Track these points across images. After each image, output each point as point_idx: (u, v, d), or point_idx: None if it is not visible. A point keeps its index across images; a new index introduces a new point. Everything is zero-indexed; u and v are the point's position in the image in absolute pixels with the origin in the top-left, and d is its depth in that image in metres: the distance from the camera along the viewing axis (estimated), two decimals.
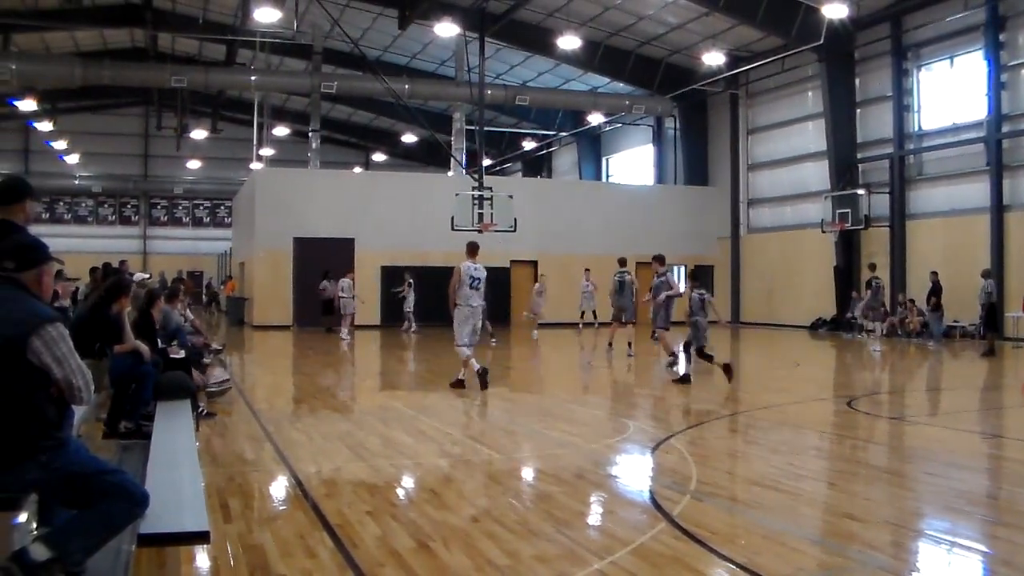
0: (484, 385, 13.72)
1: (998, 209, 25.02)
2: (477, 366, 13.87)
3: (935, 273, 25.46)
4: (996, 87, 25.08)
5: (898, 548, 5.89)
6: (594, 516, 6.84)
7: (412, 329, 28.62)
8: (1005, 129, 25.09)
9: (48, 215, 51.50)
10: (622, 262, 21.75)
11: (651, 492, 7.26)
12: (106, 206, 53.98)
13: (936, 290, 25.37)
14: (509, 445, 9.82)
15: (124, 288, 9.11)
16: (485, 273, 14.05)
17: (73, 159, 49.62)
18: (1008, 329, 24.36)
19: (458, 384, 14.00)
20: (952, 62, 27.03)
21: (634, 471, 8.58)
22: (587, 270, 28.63)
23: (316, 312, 29.85)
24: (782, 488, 7.43)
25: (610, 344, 21.70)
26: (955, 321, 25.77)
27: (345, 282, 27.34)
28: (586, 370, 19.13)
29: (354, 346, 24.66)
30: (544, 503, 6.93)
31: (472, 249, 14.06)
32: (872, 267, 25.13)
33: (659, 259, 16.78)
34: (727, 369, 14.60)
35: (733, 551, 5.57)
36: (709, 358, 15.00)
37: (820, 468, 8.68)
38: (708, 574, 5.26)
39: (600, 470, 8.38)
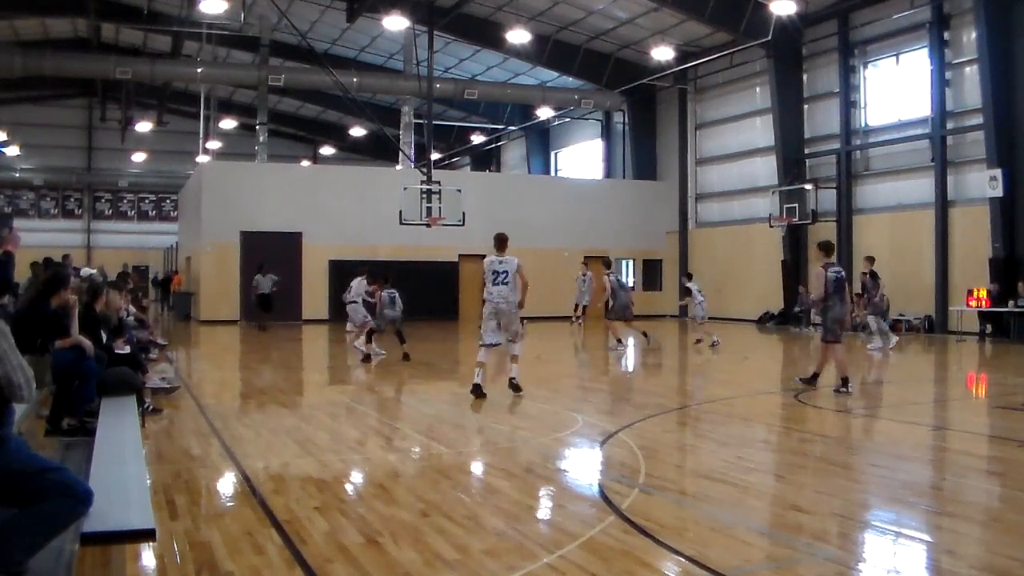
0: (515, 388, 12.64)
1: (942, 204, 25.41)
2: (479, 377, 12.37)
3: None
4: (941, 84, 25.46)
5: (845, 539, 5.96)
6: (543, 510, 6.83)
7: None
8: (949, 126, 25.47)
9: None
10: (608, 263, 22.20)
11: (600, 486, 7.27)
12: (48, 199, 52.95)
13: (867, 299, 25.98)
14: (458, 439, 9.79)
15: (62, 281, 8.95)
16: (515, 265, 12.28)
17: (13, 151, 48.63)
18: (951, 323, 24.76)
19: (475, 390, 12.29)
20: (898, 59, 27.40)
21: (583, 465, 8.58)
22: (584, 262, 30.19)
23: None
24: (730, 481, 7.48)
25: (619, 340, 21.30)
26: (900, 315, 26.11)
27: (356, 283, 20.54)
28: (536, 363, 19.13)
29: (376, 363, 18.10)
30: (493, 497, 6.93)
31: (498, 242, 12.56)
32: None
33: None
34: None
35: (682, 544, 5.59)
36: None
37: (768, 461, 8.77)
38: (657, 567, 5.26)
39: (549, 464, 8.37)
